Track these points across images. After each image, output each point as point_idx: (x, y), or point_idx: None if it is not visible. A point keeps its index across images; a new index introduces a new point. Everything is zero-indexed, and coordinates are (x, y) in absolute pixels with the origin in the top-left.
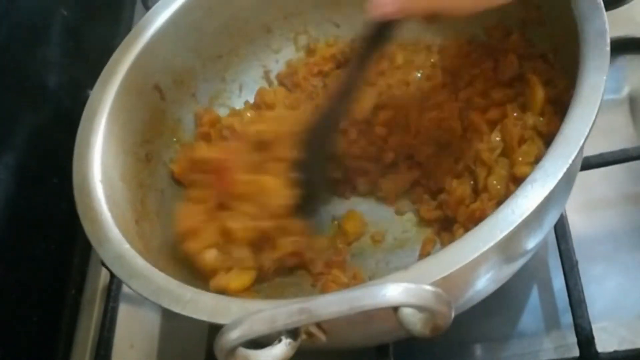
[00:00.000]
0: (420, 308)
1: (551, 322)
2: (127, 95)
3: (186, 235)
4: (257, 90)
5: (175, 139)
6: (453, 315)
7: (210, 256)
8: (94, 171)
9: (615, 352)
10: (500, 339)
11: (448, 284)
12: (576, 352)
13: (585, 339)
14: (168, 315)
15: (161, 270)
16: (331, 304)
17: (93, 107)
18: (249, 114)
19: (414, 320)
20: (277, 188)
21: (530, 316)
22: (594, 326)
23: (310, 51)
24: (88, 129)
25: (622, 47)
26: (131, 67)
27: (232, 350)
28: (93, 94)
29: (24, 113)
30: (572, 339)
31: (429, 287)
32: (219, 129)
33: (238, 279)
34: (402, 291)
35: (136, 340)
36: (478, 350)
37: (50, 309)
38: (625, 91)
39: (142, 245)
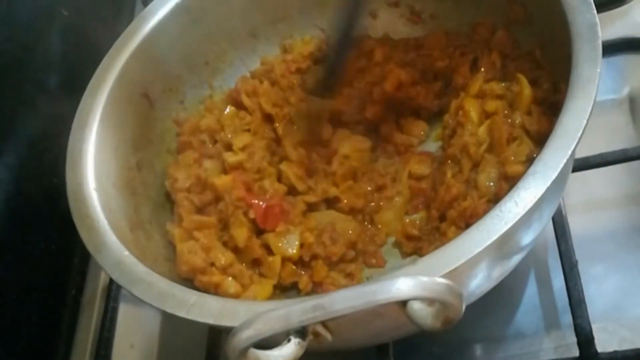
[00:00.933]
0: (433, 300)
1: (551, 322)
2: (117, 104)
3: (196, 273)
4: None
5: (164, 148)
6: (464, 307)
7: (231, 285)
8: (88, 179)
9: (615, 352)
10: (500, 338)
11: (453, 279)
12: (576, 352)
13: (585, 339)
14: (168, 316)
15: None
16: (346, 299)
17: (83, 115)
18: (226, 111)
19: (423, 314)
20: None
21: (530, 316)
22: (593, 326)
23: (286, 48)
24: (79, 137)
25: (622, 47)
26: (119, 75)
27: (245, 351)
28: (82, 102)
29: (24, 113)
30: (572, 338)
31: (441, 280)
32: (198, 136)
33: (263, 290)
34: (415, 284)
35: (136, 340)
36: (478, 350)
37: (50, 309)
38: (625, 91)
39: (139, 253)
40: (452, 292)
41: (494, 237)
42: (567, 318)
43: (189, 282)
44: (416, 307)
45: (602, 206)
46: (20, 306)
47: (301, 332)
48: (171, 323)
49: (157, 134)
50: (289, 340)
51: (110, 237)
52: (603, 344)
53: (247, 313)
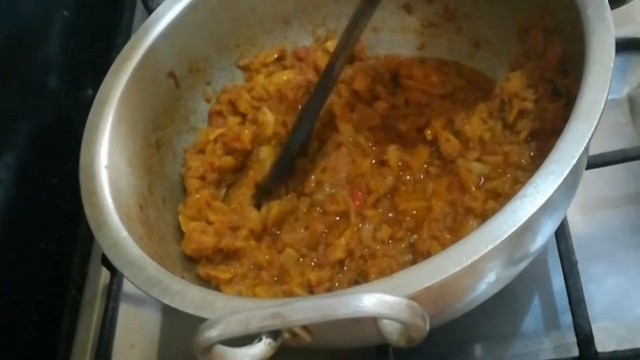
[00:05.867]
0: (393, 320)
1: (551, 321)
2: (141, 82)
3: (200, 258)
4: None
5: (187, 128)
6: (428, 328)
7: (231, 285)
8: (100, 156)
9: (615, 352)
10: (500, 338)
11: (439, 291)
12: (576, 352)
13: (585, 339)
14: (169, 315)
15: (163, 255)
16: (304, 311)
17: (105, 92)
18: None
19: (391, 329)
20: None
21: (530, 316)
22: (593, 326)
23: (318, 36)
24: (99, 113)
25: (622, 47)
26: (146, 54)
27: (209, 348)
28: (105, 80)
29: (24, 113)
30: (572, 338)
31: (403, 300)
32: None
33: (266, 293)
34: (376, 302)
35: (136, 340)
36: (478, 350)
37: (50, 309)
38: (625, 91)
39: (144, 231)
40: (414, 312)
41: (479, 255)
42: (566, 318)
43: (193, 263)
44: (385, 322)
45: (602, 206)
46: (20, 306)
47: (274, 333)
48: (171, 323)
49: (180, 113)
50: (260, 340)
51: (113, 217)
52: (603, 343)
53: (224, 307)
